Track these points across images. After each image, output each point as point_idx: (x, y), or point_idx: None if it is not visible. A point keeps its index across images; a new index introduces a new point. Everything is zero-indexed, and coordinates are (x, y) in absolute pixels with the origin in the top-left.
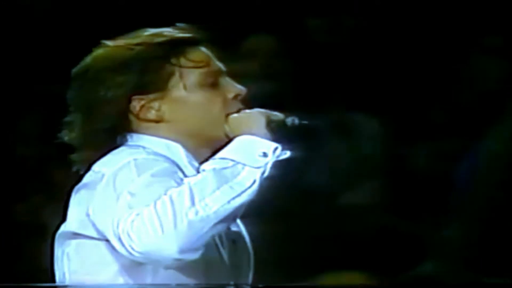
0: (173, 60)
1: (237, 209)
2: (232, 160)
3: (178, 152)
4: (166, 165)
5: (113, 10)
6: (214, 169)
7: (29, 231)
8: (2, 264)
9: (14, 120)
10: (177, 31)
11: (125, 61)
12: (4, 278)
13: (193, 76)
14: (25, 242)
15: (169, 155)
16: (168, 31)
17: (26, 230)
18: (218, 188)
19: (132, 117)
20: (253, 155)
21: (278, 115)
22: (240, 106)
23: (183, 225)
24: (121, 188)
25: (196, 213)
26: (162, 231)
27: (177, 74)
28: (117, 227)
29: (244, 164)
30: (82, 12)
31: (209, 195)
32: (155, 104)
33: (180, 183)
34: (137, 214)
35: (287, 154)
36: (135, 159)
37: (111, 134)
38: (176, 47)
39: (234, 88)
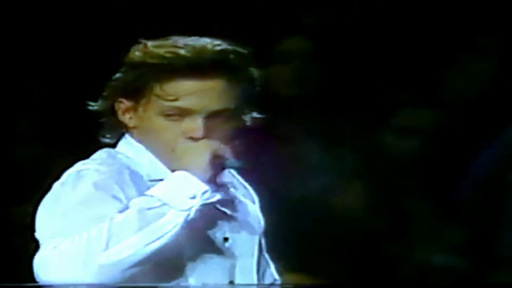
0: (151, 83)
1: (155, 252)
2: (160, 200)
3: (141, 163)
4: (109, 179)
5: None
6: (139, 210)
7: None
8: (2, 264)
9: (13, 121)
10: (191, 48)
11: (130, 61)
12: (4, 278)
13: (159, 103)
14: (25, 243)
15: (131, 162)
16: (175, 49)
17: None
18: (137, 231)
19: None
20: (182, 196)
21: (224, 150)
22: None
23: (92, 268)
24: (54, 202)
25: (108, 257)
26: (71, 270)
27: (148, 94)
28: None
29: (171, 207)
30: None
31: (126, 238)
32: (130, 112)
33: (116, 203)
34: (54, 247)
35: (216, 197)
36: (78, 171)
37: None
38: (159, 72)
39: (193, 132)
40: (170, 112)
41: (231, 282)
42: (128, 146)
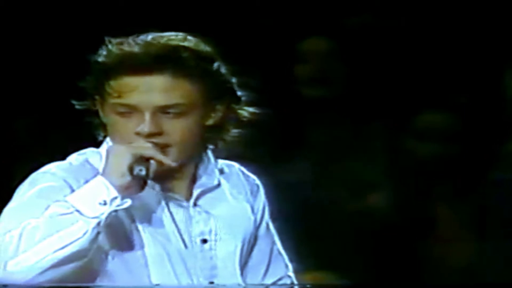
0: (103, 81)
1: (67, 257)
2: (72, 206)
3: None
4: (58, 184)
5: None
6: (51, 215)
7: None
8: None
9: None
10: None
11: (95, 60)
12: None
13: (110, 102)
14: None
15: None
16: (131, 45)
17: None
18: (46, 237)
19: None
20: (94, 203)
21: (148, 154)
22: (150, 141)
23: (4, 273)
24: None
25: (17, 264)
26: None
27: (103, 92)
28: None
29: (81, 214)
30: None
31: (34, 245)
32: (100, 109)
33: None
34: None
35: (128, 203)
36: (37, 173)
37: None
38: (108, 70)
39: (139, 127)
40: (121, 110)
41: (211, 283)
42: (105, 145)
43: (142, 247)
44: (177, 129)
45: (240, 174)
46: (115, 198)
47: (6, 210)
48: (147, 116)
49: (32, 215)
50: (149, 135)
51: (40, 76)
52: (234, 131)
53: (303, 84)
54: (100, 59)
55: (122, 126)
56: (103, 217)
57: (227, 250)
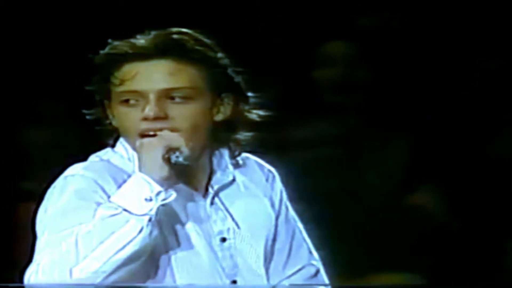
0: (108, 74)
1: (129, 257)
2: (119, 206)
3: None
4: (90, 185)
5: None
6: (101, 217)
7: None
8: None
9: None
10: (138, 40)
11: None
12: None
13: (115, 92)
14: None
15: (123, 162)
16: (135, 38)
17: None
18: (104, 240)
19: None
20: (139, 200)
21: (178, 141)
22: (157, 126)
23: (73, 281)
24: (43, 209)
25: (81, 271)
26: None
27: (108, 87)
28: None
29: (130, 212)
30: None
31: (94, 249)
32: (109, 112)
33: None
34: (37, 264)
35: (173, 196)
36: (65, 176)
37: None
38: (112, 62)
39: (144, 111)
40: (125, 98)
41: (234, 282)
42: (120, 145)
43: (165, 246)
44: (183, 114)
45: (256, 165)
46: (160, 192)
47: (47, 218)
48: (152, 99)
49: (77, 219)
50: (155, 119)
51: (50, 82)
52: (247, 134)
53: (323, 88)
54: (104, 52)
55: (129, 115)
56: (152, 212)
57: (248, 248)
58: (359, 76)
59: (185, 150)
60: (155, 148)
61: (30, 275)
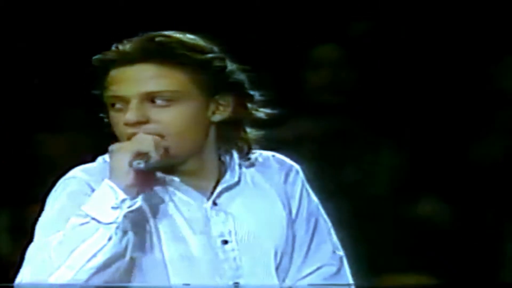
0: (102, 81)
1: (103, 264)
2: (87, 215)
3: None
4: (82, 188)
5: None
6: (72, 227)
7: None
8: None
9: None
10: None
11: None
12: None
13: (105, 97)
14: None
15: None
16: (123, 44)
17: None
18: (75, 249)
19: None
20: (106, 208)
21: (146, 148)
22: (139, 131)
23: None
24: (44, 211)
25: (56, 280)
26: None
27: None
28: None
29: (99, 221)
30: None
31: (66, 259)
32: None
33: None
34: (26, 265)
35: (138, 203)
36: (64, 179)
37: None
38: (104, 68)
39: (127, 115)
40: (112, 102)
41: (236, 284)
42: None
43: (160, 248)
44: (166, 118)
45: (275, 163)
46: (125, 200)
47: (40, 222)
48: (133, 104)
49: (67, 222)
50: (137, 123)
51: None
52: (255, 132)
53: (314, 90)
54: (95, 58)
55: (116, 119)
56: (119, 220)
57: (253, 250)
58: (348, 78)
59: (154, 156)
60: (123, 153)
61: (20, 275)
